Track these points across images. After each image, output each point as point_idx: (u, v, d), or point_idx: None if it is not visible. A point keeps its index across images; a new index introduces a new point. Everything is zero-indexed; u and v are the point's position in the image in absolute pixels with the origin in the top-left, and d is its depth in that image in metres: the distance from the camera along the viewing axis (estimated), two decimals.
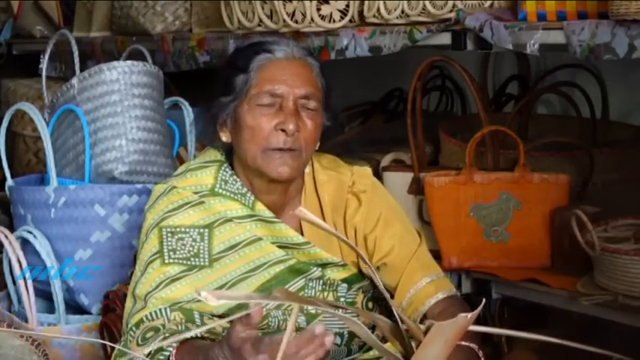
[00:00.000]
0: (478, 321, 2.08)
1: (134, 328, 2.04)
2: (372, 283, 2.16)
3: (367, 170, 2.22)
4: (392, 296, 2.11)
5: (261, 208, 2.11)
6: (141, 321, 2.04)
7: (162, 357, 1.92)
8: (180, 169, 2.21)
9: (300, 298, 1.75)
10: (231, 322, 2.09)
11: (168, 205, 2.11)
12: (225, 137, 2.13)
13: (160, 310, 2.04)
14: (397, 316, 1.65)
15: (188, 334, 1.89)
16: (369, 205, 2.14)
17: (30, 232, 2.71)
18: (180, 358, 1.90)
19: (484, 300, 1.64)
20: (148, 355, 1.94)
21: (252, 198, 2.12)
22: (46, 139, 2.75)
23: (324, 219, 2.15)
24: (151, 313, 2.04)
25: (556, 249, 2.47)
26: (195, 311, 2.06)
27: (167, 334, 1.96)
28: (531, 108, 3.06)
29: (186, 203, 2.11)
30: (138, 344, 1.99)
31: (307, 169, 2.17)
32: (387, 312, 2.14)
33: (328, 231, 1.62)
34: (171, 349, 1.91)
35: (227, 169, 2.14)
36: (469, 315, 1.52)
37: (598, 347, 2.34)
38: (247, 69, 2.07)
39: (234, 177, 2.13)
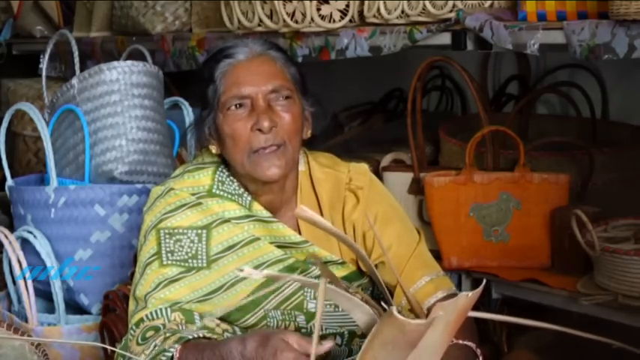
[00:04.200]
0: (478, 320, 2.09)
1: (134, 327, 2.04)
2: (371, 280, 2.16)
3: (364, 167, 2.22)
4: (391, 294, 2.11)
5: (258, 209, 2.11)
6: (141, 320, 2.04)
7: (164, 358, 1.92)
8: (178, 170, 2.22)
9: (331, 273, 1.75)
10: (228, 322, 2.10)
11: (166, 207, 2.12)
12: (214, 149, 2.14)
13: (161, 309, 2.04)
14: (407, 298, 1.65)
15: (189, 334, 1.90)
16: (367, 202, 2.14)
17: (30, 232, 2.71)
18: (184, 357, 1.90)
19: (485, 280, 1.63)
20: (148, 356, 1.94)
21: (249, 198, 2.12)
22: (46, 139, 2.75)
23: (322, 217, 2.14)
24: (151, 313, 2.04)
25: (556, 249, 2.46)
26: (195, 312, 2.06)
27: (168, 334, 1.96)
28: (531, 108, 3.06)
29: (184, 205, 2.11)
30: (138, 343, 2.00)
31: (303, 168, 2.17)
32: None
33: (328, 229, 1.61)
34: (173, 350, 1.91)
35: (224, 170, 2.14)
36: (470, 293, 1.52)
37: (597, 346, 2.35)
38: (213, 79, 2.08)
39: (231, 178, 2.13)
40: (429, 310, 2.05)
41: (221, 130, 2.08)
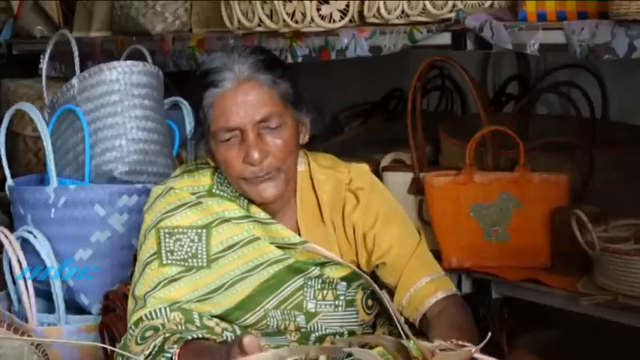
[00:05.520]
0: (478, 320, 2.09)
1: (133, 327, 2.04)
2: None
3: (364, 167, 2.22)
4: (392, 295, 2.11)
5: (256, 210, 2.12)
6: (140, 320, 2.04)
7: (163, 359, 1.92)
8: (178, 170, 2.22)
9: (328, 348, 1.76)
10: (228, 322, 2.10)
11: (166, 206, 2.12)
12: (212, 162, 2.14)
13: (160, 309, 2.04)
14: (402, 332, 1.65)
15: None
16: (368, 202, 2.14)
17: (30, 232, 2.71)
18: (184, 356, 1.90)
19: (489, 334, 1.63)
20: (148, 356, 1.94)
21: (247, 201, 2.12)
22: (46, 139, 2.75)
23: (321, 218, 2.15)
24: (150, 312, 2.04)
25: (556, 249, 2.46)
26: (194, 312, 2.06)
27: (167, 334, 1.96)
28: (531, 108, 3.05)
29: (184, 204, 2.11)
30: (137, 343, 2.00)
31: (303, 168, 2.17)
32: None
33: (335, 260, 1.61)
34: (172, 350, 1.91)
35: (222, 172, 2.15)
36: (473, 349, 1.53)
37: (598, 347, 2.35)
38: (202, 106, 2.05)
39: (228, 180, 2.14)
40: (426, 314, 2.07)
41: (214, 154, 2.08)
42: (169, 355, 1.91)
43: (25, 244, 2.72)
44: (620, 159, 2.61)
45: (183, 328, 2.01)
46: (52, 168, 2.73)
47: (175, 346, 1.92)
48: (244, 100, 2.02)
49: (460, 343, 1.64)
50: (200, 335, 1.98)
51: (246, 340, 1.70)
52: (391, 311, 1.67)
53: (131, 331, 2.04)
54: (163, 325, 2.01)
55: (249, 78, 2.04)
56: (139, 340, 2.00)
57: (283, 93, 2.06)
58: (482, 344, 1.57)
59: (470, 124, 2.83)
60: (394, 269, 2.11)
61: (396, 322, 1.66)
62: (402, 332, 1.68)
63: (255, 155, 2.01)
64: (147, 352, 1.95)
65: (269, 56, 2.13)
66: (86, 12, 3.85)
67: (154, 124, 2.78)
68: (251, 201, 2.12)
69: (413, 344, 1.72)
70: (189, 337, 1.94)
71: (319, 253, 1.56)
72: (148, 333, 2.00)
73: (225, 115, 2.03)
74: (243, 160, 2.03)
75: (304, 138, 2.14)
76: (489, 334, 1.63)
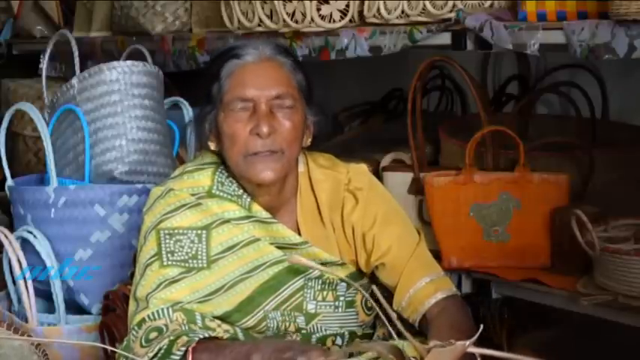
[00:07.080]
0: (478, 320, 2.09)
1: (136, 328, 2.04)
2: (371, 281, 2.16)
3: (363, 167, 2.22)
4: (392, 295, 2.11)
5: (257, 210, 2.12)
6: (143, 320, 2.04)
7: None
8: (177, 171, 2.22)
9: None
10: (229, 323, 2.10)
11: (166, 208, 2.12)
12: (213, 146, 2.14)
13: (162, 309, 2.04)
14: (400, 332, 1.66)
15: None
16: (367, 202, 2.14)
17: (30, 232, 2.71)
18: (198, 358, 1.91)
19: (482, 325, 1.64)
20: (153, 358, 1.94)
21: (249, 199, 2.12)
22: (46, 139, 2.75)
23: (321, 218, 2.15)
24: (153, 313, 2.04)
25: (556, 249, 2.46)
26: (197, 312, 2.06)
27: (172, 337, 1.95)
28: (531, 108, 3.05)
29: (184, 205, 2.11)
30: (142, 345, 1.99)
31: (302, 169, 2.17)
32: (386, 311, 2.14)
33: (320, 270, 1.62)
34: (180, 353, 1.91)
35: (223, 171, 2.15)
36: (467, 342, 1.54)
37: (598, 347, 2.34)
38: (219, 77, 2.08)
39: (230, 179, 2.14)
40: (425, 315, 2.07)
41: (220, 128, 2.08)
42: (177, 357, 1.91)
43: (25, 244, 2.72)
44: (620, 159, 2.61)
45: (187, 328, 2.01)
46: (52, 168, 2.73)
47: (184, 348, 1.92)
48: (264, 74, 2.07)
49: (454, 341, 1.64)
50: (206, 335, 1.98)
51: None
52: (380, 313, 1.68)
53: (134, 332, 2.04)
54: (167, 326, 2.01)
55: (271, 57, 2.09)
56: (143, 342, 1.99)
57: (300, 82, 2.11)
58: (474, 338, 1.58)
59: (470, 124, 2.83)
60: (393, 270, 2.11)
61: (387, 323, 1.66)
62: (393, 332, 1.69)
63: (265, 128, 2.02)
64: (151, 355, 1.94)
65: (288, 48, 2.22)
66: (86, 12, 3.85)
67: (154, 124, 2.78)
68: (253, 199, 2.12)
69: (409, 347, 1.73)
70: (197, 339, 1.94)
71: (304, 264, 1.58)
72: (152, 335, 2.00)
73: (242, 86, 2.05)
74: (250, 131, 2.04)
75: (307, 140, 2.14)
76: (481, 326, 1.63)
